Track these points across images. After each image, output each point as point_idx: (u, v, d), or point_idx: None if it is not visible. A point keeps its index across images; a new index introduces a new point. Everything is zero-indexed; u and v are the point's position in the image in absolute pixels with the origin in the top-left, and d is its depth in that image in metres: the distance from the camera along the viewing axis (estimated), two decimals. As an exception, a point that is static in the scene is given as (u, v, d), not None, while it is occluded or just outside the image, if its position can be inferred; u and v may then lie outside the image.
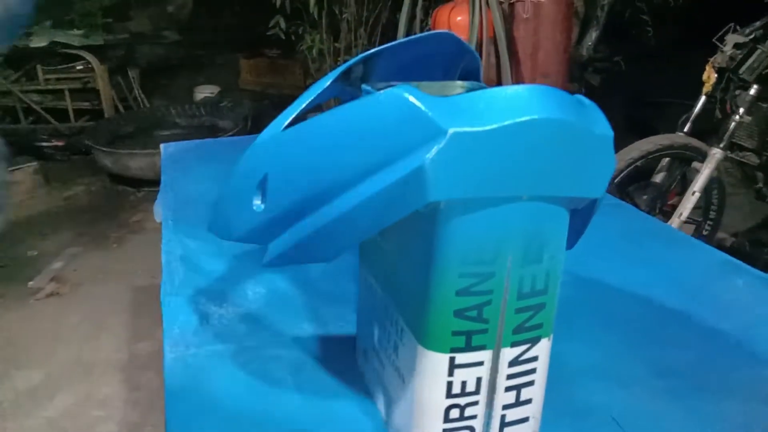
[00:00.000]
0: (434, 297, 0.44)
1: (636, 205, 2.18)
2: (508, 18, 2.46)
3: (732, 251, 2.43)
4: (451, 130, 0.39)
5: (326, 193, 0.46)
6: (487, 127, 0.39)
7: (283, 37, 3.41)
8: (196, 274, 0.83)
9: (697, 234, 2.30)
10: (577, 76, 3.89)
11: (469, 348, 0.46)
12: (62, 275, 2.70)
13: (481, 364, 0.47)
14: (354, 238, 0.45)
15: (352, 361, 0.65)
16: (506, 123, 0.39)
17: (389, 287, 0.53)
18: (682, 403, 0.60)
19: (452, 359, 0.46)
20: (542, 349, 0.49)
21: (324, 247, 0.47)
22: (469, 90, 0.56)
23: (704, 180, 2.02)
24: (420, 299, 0.46)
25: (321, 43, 3.32)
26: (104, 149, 3.51)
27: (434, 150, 0.39)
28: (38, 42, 4.20)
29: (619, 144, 2.16)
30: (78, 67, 4.33)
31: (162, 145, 1.41)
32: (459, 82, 0.58)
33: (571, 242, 0.52)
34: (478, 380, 0.47)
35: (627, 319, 0.75)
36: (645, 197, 2.22)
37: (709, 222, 2.28)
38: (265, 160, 0.52)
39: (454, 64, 0.60)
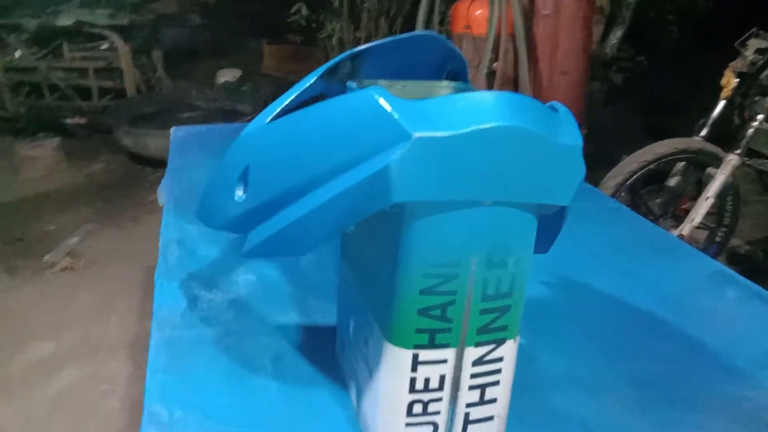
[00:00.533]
0: (399, 295, 0.45)
1: (648, 209, 2.16)
2: (528, 14, 2.44)
3: (745, 259, 2.40)
4: (415, 135, 0.39)
5: (301, 188, 0.47)
6: (451, 133, 0.40)
7: (304, 24, 3.42)
8: (191, 259, 0.85)
9: (710, 240, 2.28)
10: (599, 75, 3.85)
11: (432, 345, 0.47)
12: (77, 251, 2.75)
13: (444, 361, 0.48)
14: (324, 233, 0.46)
15: (331, 353, 0.66)
16: (470, 129, 0.40)
17: (363, 282, 0.54)
18: (652, 414, 0.61)
19: (416, 356, 0.47)
20: (508, 350, 0.49)
21: (296, 240, 0.48)
22: (456, 90, 0.57)
23: (719, 186, 2.00)
24: (386, 296, 0.47)
25: (341, 32, 3.32)
26: (125, 128, 3.56)
27: (399, 153, 0.40)
28: (65, 20, 4.26)
29: (639, 145, 2.15)
30: (103, 47, 4.38)
31: (172, 129, 1.43)
32: (446, 83, 0.59)
33: (545, 246, 0.53)
34: (442, 377, 0.48)
35: (607, 328, 0.75)
36: (657, 201, 2.20)
37: (722, 228, 2.25)
38: (247, 153, 0.53)
39: (442, 64, 0.61)
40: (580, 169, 0.45)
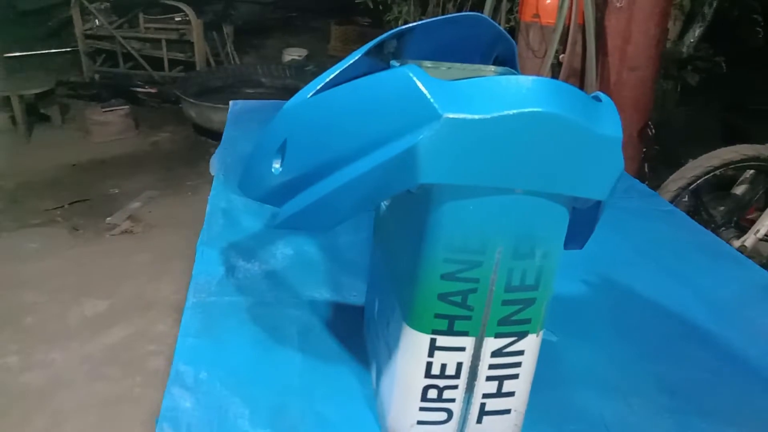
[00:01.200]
0: (420, 278, 0.45)
1: (710, 216, 2.07)
2: (601, 6, 2.36)
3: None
4: (445, 115, 0.39)
5: (333, 163, 0.47)
6: (484, 116, 0.39)
7: (372, 6, 3.41)
8: (234, 229, 0.87)
9: (775, 254, 2.16)
10: (673, 74, 3.69)
11: (451, 332, 0.46)
12: (138, 215, 2.86)
13: (462, 349, 0.47)
14: (351, 210, 0.46)
15: (358, 330, 0.67)
16: (503, 113, 0.39)
17: (389, 263, 0.54)
18: (681, 424, 0.58)
19: (433, 341, 0.47)
20: (530, 344, 0.48)
21: (324, 215, 0.48)
22: (501, 75, 0.56)
23: (789, 198, 1.89)
24: (408, 279, 0.46)
25: (408, 15, 3.30)
26: (191, 100, 3.65)
27: (428, 133, 0.39)
28: (143, -9, 4.41)
29: (709, 150, 2.06)
30: (176, 19, 4.51)
31: (231, 102, 1.46)
32: (492, 67, 0.58)
33: (579, 243, 0.52)
34: (459, 365, 0.48)
35: (645, 330, 0.73)
36: (721, 208, 2.10)
37: (789, 243, 2.13)
38: (286, 126, 0.54)
39: (490, 48, 0.60)
40: (619, 162, 0.43)
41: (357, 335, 0.66)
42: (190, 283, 0.73)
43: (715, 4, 3.46)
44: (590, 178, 0.42)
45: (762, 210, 1.99)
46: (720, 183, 2.07)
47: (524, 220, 0.43)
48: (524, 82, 0.40)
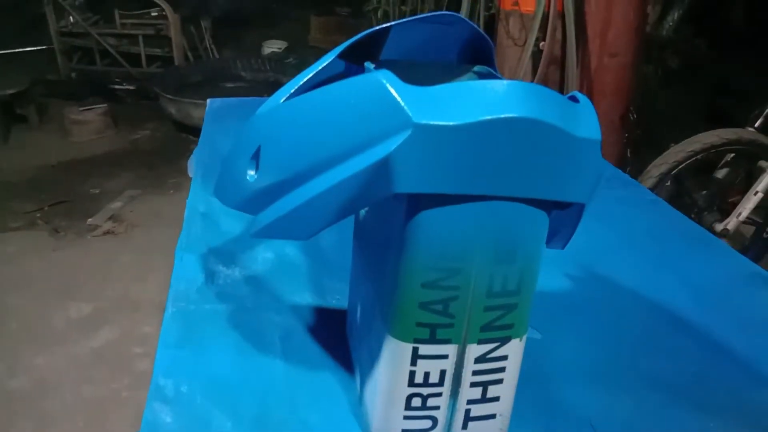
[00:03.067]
0: (400, 287, 0.44)
1: (693, 200, 2.08)
2: (580, -10, 2.35)
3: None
4: (418, 122, 0.38)
5: (308, 171, 0.45)
6: (457, 123, 0.38)
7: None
8: (213, 233, 0.86)
9: (757, 236, 2.19)
10: (654, 58, 3.70)
11: (433, 340, 0.46)
12: (120, 215, 2.84)
13: (445, 357, 0.47)
14: (327, 219, 0.45)
15: (342, 335, 0.66)
16: (479, 119, 0.38)
17: (369, 271, 0.53)
18: (667, 417, 0.58)
19: (415, 349, 0.46)
20: (513, 348, 0.48)
21: (299, 225, 0.47)
22: (479, 75, 0.55)
23: (769, 180, 1.91)
24: (389, 287, 0.46)
25: (387, 5, 3.28)
26: (170, 96, 3.61)
27: (400, 141, 0.38)
28: (117, -14, 4.33)
29: (692, 134, 2.06)
30: (153, 14, 4.44)
31: (208, 101, 1.44)
32: (469, 66, 0.57)
33: (561, 242, 0.51)
34: (442, 372, 0.47)
35: (631, 323, 0.73)
36: (704, 192, 2.11)
37: (771, 225, 2.16)
38: (259, 132, 0.52)
39: (467, 46, 0.58)
40: (598, 164, 0.42)
41: (340, 340, 0.65)
42: (169, 291, 0.72)
43: (693, -14, 3.46)
44: (570, 181, 0.42)
45: (743, 193, 2.01)
46: (702, 167, 2.08)
47: (504, 226, 0.42)
48: (500, 86, 0.39)
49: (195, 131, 3.59)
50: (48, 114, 3.92)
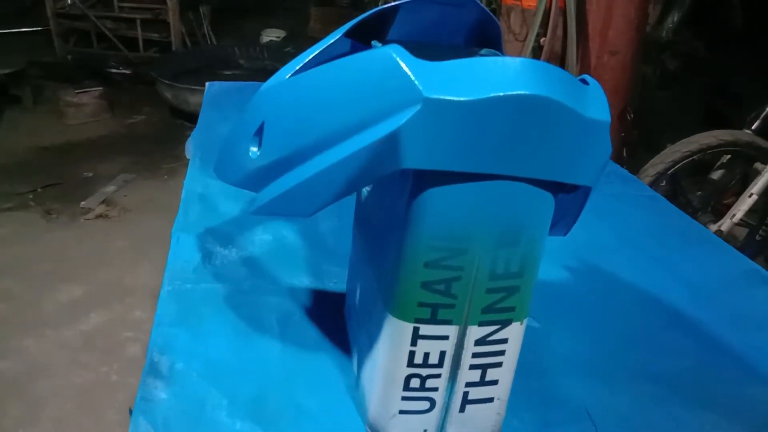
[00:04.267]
0: (403, 266, 0.44)
1: (687, 201, 2.09)
2: (582, -12, 2.35)
3: (785, 262, 2.31)
4: (428, 97, 0.37)
5: (313, 147, 0.45)
6: (468, 98, 0.37)
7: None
8: (210, 214, 0.85)
9: (750, 238, 2.19)
10: (653, 59, 3.70)
11: (434, 321, 0.45)
12: (113, 199, 2.81)
13: (446, 338, 0.46)
14: (332, 196, 0.44)
15: (340, 319, 0.65)
16: (490, 95, 0.37)
17: (371, 251, 0.52)
18: (663, 409, 0.58)
19: (416, 329, 0.46)
20: (514, 332, 0.47)
21: (304, 201, 0.46)
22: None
23: (765, 182, 1.91)
24: (391, 266, 0.45)
25: (388, -3, 3.25)
26: (167, 82, 3.58)
27: (410, 115, 0.38)
28: (116, -31, 4.29)
29: (688, 134, 2.07)
30: (152, -2, 4.41)
31: (207, 84, 1.43)
32: (477, 49, 0.56)
33: (563, 229, 0.51)
34: (442, 354, 0.47)
35: (628, 317, 0.72)
36: (699, 193, 2.12)
37: (764, 227, 2.16)
38: (263, 108, 0.52)
39: (475, 30, 0.58)
40: (607, 147, 0.42)
41: (338, 323, 0.65)
42: (165, 271, 0.71)
43: (694, -12, 3.47)
44: (577, 163, 0.41)
45: (738, 195, 2.02)
46: (698, 168, 2.09)
47: (509, 206, 0.42)
48: (511, 63, 0.38)
49: (191, 117, 3.58)
50: (43, 96, 3.88)
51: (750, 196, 1.91)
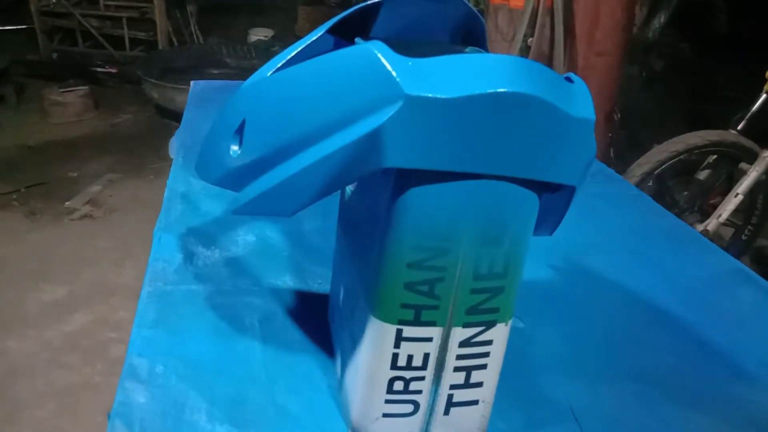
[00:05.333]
0: (386, 266, 0.43)
1: (674, 200, 2.10)
2: (569, -11, 2.35)
3: (769, 261, 2.33)
4: (410, 94, 0.36)
5: (294, 145, 0.44)
6: (450, 96, 0.36)
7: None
8: (193, 214, 0.84)
9: (736, 238, 2.21)
10: (639, 60, 3.72)
11: (417, 322, 0.45)
12: (98, 199, 2.79)
13: (429, 340, 0.45)
14: (314, 194, 0.44)
15: (324, 320, 0.64)
16: (471, 93, 0.37)
17: (354, 251, 0.52)
18: (647, 408, 0.58)
19: (399, 331, 0.45)
20: (498, 333, 0.47)
21: (285, 200, 0.45)
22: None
23: (750, 182, 1.93)
24: (374, 267, 0.44)
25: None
26: (153, 81, 3.56)
27: (391, 113, 0.37)
28: (102, -33, 4.25)
29: (674, 135, 2.07)
30: (138, -3, 4.37)
31: (192, 83, 1.41)
32: (461, 47, 0.55)
33: (549, 229, 0.50)
34: (426, 356, 0.46)
35: (612, 316, 0.72)
36: (685, 193, 2.13)
37: (750, 227, 2.18)
38: (245, 105, 0.51)
39: (460, 27, 0.57)
40: (591, 146, 0.41)
41: (321, 324, 0.64)
42: (146, 271, 0.70)
43: (680, -10, 3.49)
44: (562, 162, 0.41)
45: (724, 195, 2.03)
46: (684, 168, 2.10)
47: (493, 206, 0.41)
48: (495, 60, 0.38)
49: (178, 117, 3.54)
50: (26, 94, 3.84)
51: (736, 195, 1.92)
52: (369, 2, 0.54)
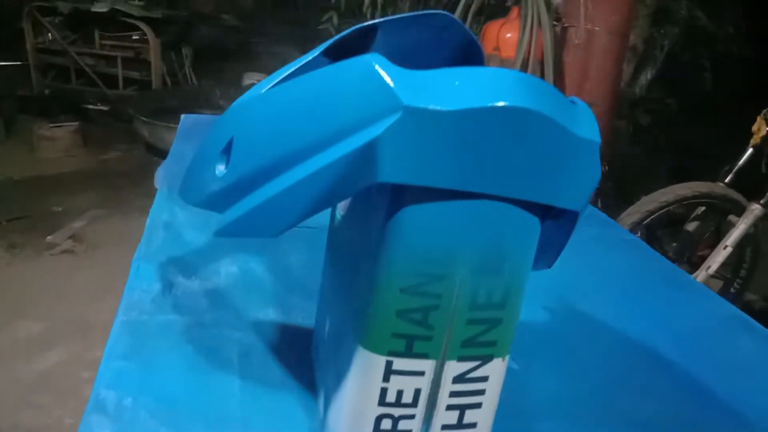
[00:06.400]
0: (377, 291, 0.40)
1: (663, 251, 2.09)
2: (560, 42, 2.40)
3: (759, 315, 2.31)
4: (408, 105, 0.34)
5: (285, 161, 0.42)
6: (450, 108, 0.35)
7: (334, 33, 3.40)
8: (174, 243, 0.81)
9: (725, 291, 2.20)
10: (626, 114, 3.79)
11: (409, 354, 0.41)
12: (81, 234, 2.74)
13: (421, 374, 0.42)
14: (300, 213, 0.41)
15: (306, 355, 0.61)
16: (474, 106, 0.35)
17: (342, 278, 0.49)
18: (651, 457, 0.54)
19: (389, 363, 0.42)
20: (495, 369, 0.44)
21: (272, 218, 0.43)
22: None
23: (738, 235, 1.93)
24: (364, 292, 0.41)
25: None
26: (143, 118, 3.56)
27: (389, 124, 0.35)
28: (100, 7, 4.30)
29: (660, 187, 2.08)
30: (134, 37, 4.42)
31: (182, 116, 1.40)
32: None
33: (548, 260, 0.48)
34: (417, 392, 0.43)
35: (609, 360, 0.69)
36: (674, 244, 2.13)
37: (738, 280, 2.17)
38: (233, 123, 0.49)
39: (458, 53, 0.56)
40: (596, 169, 0.39)
41: (304, 360, 0.60)
42: (121, 300, 0.67)
43: (666, 48, 3.58)
44: (566, 184, 0.38)
45: (713, 247, 2.03)
46: (672, 219, 2.10)
47: (493, 229, 0.39)
48: (499, 74, 0.36)
49: (167, 156, 3.54)
50: (16, 128, 3.82)
51: (725, 248, 1.92)
52: (365, 24, 0.52)
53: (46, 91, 4.41)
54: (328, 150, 0.38)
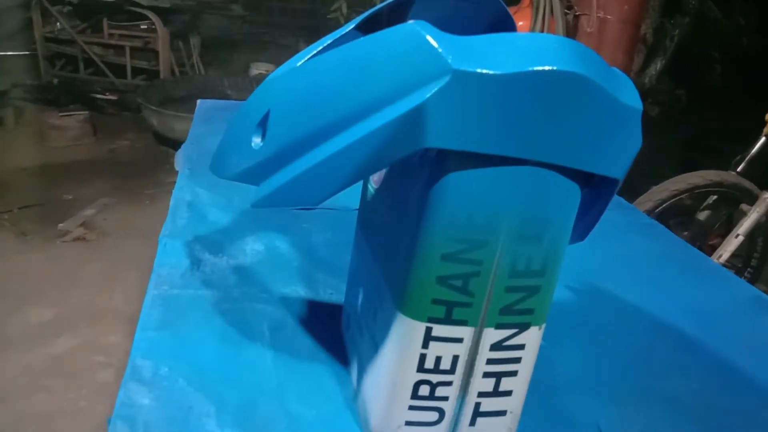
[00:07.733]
0: (418, 258, 0.41)
1: (674, 240, 2.09)
2: (572, 30, 2.40)
3: (769, 305, 2.31)
4: (457, 69, 0.35)
5: (325, 131, 0.42)
6: (498, 72, 0.35)
7: (343, 23, 3.40)
8: (199, 222, 0.81)
9: (735, 281, 2.19)
10: (635, 105, 3.76)
11: (449, 321, 0.42)
12: (92, 222, 2.75)
13: (460, 341, 0.43)
14: (345, 180, 0.41)
15: (336, 330, 0.62)
16: (521, 70, 0.35)
17: (378, 249, 0.49)
18: (676, 430, 0.55)
19: (429, 329, 0.42)
20: (531, 337, 0.44)
21: (311, 188, 0.43)
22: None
23: (750, 224, 1.92)
24: (404, 260, 0.42)
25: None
26: (152, 107, 3.56)
27: (437, 88, 0.35)
28: (109, -3, 4.30)
29: (669, 178, 2.07)
30: (142, 27, 4.42)
31: (198, 101, 1.40)
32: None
33: (582, 233, 0.48)
34: (455, 358, 0.43)
35: (634, 339, 0.70)
36: (685, 233, 2.13)
37: (749, 270, 2.17)
38: (270, 96, 0.49)
39: (492, 28, 0.56)
40: (637, 137, 0.40)
41: (334, 334, 0.61)
42: (151, 276, 0.67)
43: (676, 39, 3.56)
44: (608, 152, 0.39)
45: (724, 236, 2.02)
46: (684, 208, 2.10)
47: (535, 196, 0.39)
48: (545, 39, 0.36)
49: (176, 144, 3.54)
50: (25, 118, 3.83)
51: (736, 237, 1.91)
52: (400, -2, 0.53)
53: (55, 81, 4.41)
54: (372, 117, 0.39)
